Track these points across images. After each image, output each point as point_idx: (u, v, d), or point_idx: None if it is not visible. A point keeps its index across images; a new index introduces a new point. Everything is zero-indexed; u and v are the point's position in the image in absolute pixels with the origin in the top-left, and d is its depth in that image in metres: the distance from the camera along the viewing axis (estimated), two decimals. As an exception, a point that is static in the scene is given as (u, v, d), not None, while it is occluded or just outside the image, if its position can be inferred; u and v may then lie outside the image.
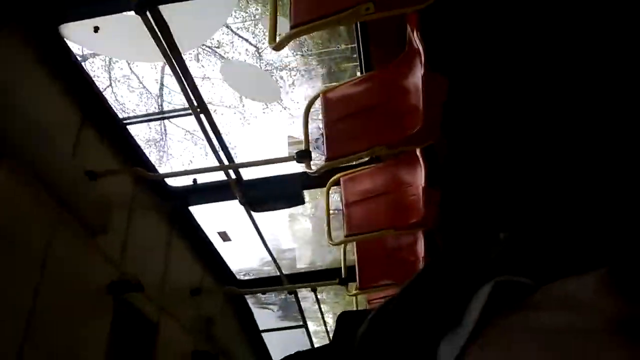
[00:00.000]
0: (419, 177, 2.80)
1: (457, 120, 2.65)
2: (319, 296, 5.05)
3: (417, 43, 2.17)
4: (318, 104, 2.79)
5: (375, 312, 0.42)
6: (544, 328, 0.33)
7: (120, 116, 3.10)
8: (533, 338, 0.33)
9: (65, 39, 2.55)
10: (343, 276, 3.97)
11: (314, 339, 6.21)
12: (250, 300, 5.45)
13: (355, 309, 4.65)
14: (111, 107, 2.96)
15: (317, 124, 3.50)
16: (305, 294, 5.52)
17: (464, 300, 0.36)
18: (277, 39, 1.93)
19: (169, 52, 2.32)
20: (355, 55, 3.18)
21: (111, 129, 3.00)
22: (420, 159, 2.77)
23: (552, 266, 0.38)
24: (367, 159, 3.27)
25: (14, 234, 2.14)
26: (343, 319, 0.49)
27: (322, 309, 5.55)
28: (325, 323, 5.89)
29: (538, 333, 0.33)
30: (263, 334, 5.76)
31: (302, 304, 5.22)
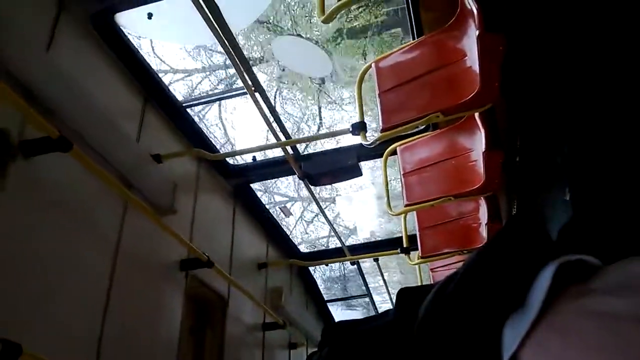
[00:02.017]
0: (479, 142, 2.72)
1: (517, 80, 2.54)
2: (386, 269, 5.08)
3: (470, 2, 2.10)
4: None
5: (435, 291, 0.42)
6: (605, 313, 0.32)
7: (180, 99, 3.19)
8: (593, 323, 0.32)
9: (122, 28, 2.64)
10: (404, 245, 3.96)
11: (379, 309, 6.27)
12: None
13: (418, 275, 4.64)
14: (170, 91, 3.05)
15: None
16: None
17: (528, 279, 0.36)
18: (326, 11, 1.92)
19: (220, 32, 2.36)
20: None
21: (172, 112, 3.11)
22: (479, 123, 2.70)
23: (617, 244, 0.37)
24: (423, 127, 3.21)
25: (89, 213, 2.30)
26: (403, 295, 0.49)
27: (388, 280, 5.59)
28: (389, 292, 5.93)
29: (599, 318, 0.32)
30: (329, 304, 5.89)
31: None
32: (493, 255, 0.39)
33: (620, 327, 0.31)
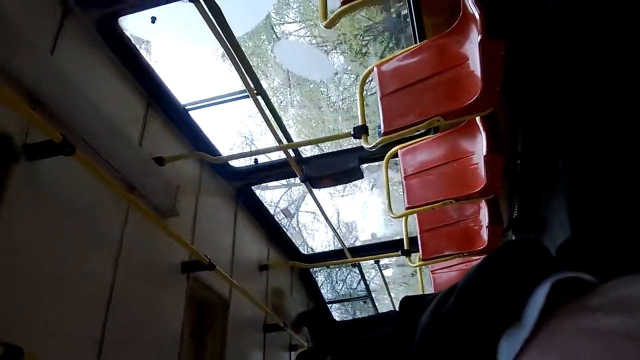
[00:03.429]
0: (480, 145, 2.73)
1: (520, 83, 2.55)
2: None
3: (473, 8, 2.11)
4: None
5: (432, 309, 0.43)
6: (600, 331, 0.32)
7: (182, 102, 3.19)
8: (589, 341, 0.32)
9: (125, 31, 2.65)
10: (405, 248, 3.98)
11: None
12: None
13: (419, 277, 4.64)
14: (173, 94, 3.05)
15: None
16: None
17: (524, 294, 0.36)
18: (329, 17, 1.93)
19: (223, 37, 2.37)
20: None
21: (175, 115, 3.12)
22: (481, 127, 2.70)
23: (614, 261, 0.37)
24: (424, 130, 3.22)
25: (91, 216, 2.31)
26: (406, 304, 0.50)
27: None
28: (390, 294, 5.93)
29: (594, 336, 0.32)
30: (329, 305, 5.89)
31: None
32: (491, 272, 0.40)
33: (615, 346, 0.31)
